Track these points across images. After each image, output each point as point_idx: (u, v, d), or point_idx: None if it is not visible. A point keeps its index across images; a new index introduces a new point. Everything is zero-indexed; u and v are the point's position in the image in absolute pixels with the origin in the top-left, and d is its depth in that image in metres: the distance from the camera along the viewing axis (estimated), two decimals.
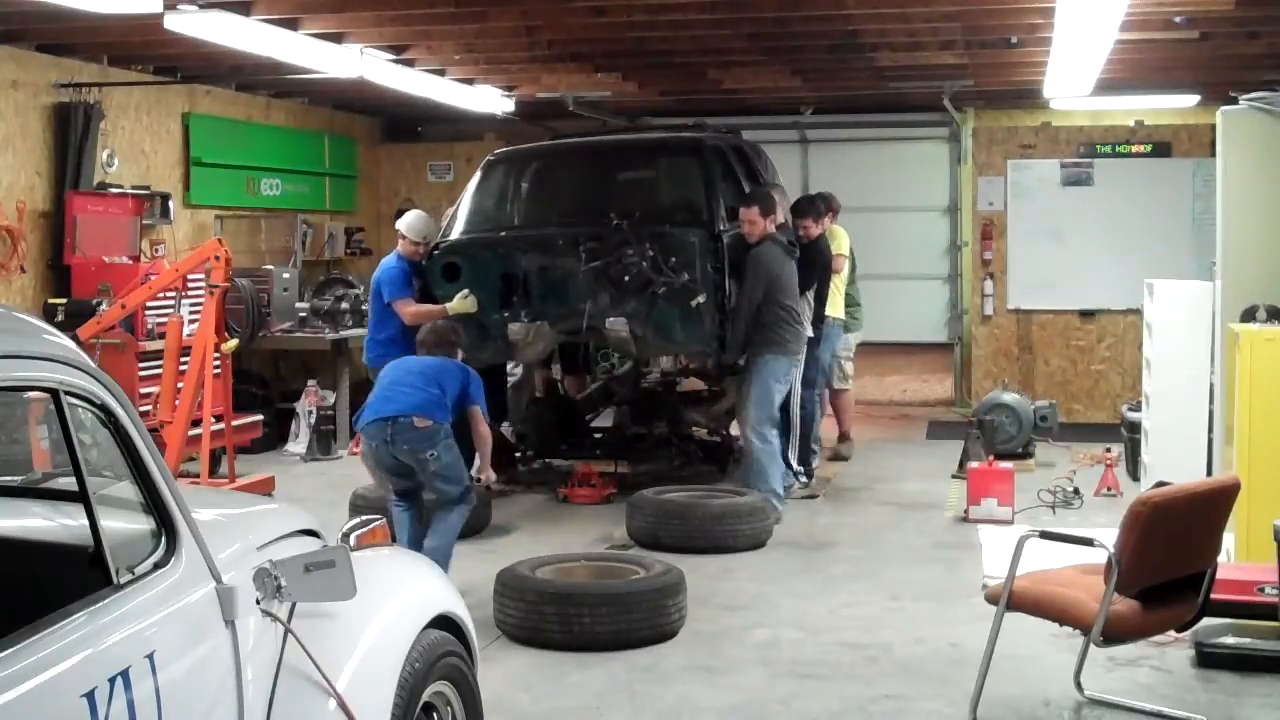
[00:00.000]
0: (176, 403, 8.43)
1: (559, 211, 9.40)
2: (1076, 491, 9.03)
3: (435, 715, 3.66)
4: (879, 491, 9.61)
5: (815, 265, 9.11)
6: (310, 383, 11.34)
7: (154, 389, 8.89)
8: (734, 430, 9.53)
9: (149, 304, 9.21)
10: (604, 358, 10.93)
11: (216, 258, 8.41)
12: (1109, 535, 4.75)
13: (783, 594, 6.92)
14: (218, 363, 8.68)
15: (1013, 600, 4.92)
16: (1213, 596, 4.99)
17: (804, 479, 9.35)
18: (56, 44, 9.79)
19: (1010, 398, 10.72)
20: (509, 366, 9.94)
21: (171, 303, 8.98)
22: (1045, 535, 5.02)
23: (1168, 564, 4.80)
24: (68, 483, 3.13)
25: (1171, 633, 5.33)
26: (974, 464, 8.92)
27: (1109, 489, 9.13)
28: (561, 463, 9.90)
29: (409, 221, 8.71)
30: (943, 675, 5.58)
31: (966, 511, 8.56)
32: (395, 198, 14.55)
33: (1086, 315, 13.06)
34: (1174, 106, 12.75)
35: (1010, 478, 8.60)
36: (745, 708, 5.25)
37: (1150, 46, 9.50)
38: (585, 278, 8.49)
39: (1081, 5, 7.22)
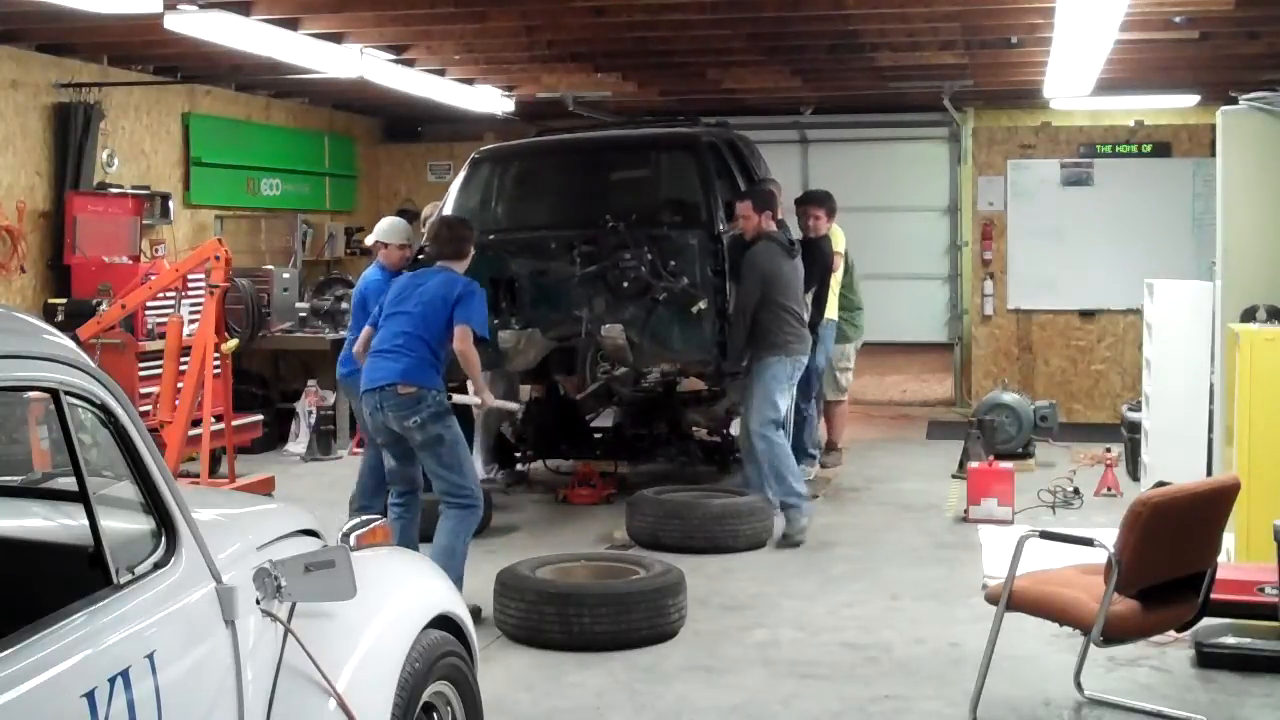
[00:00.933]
0: (176, 403, 8.43)
1: (548, 211, 9.19)
2: (1076, 491, 9.03)
3: (435, 715, 3.66)
4: (879, 491, 9.60)
5: (818, 264, 8.86)
6: (310, 383, 11.34)
7: (154, 389, 8.89)
8: (734, 430, 9.50)
9: (149, 304, 9.21)
10: (603, 358, 10.89)
11: (216, 258, 8.42)
12: (1109, 535, 4.75)
13: (782, 594, 6.92)
14: (218, 363, 8.68)
15: (1013, 600, 4.92)
16: (1213, 596, 5.00)
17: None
18: (56, 44, 9.79)
19: (1010, 398, 10.72)
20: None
21: (171, 303, 8.99)
22: (1045, 535, 5.02)
23: (1168, 564, 4.80)
24: (68, 483, 3.14)
25: (1171, 633, 5.34)
26: (974, 464, 8.92)
27: (1109, 489, 9.13)
28: (561, 462, 9.91)
29: (386, 227, 7.99)
30: (943, 675, 5.59)
31: (966, 511, 8.56)
32: (395, 198, 14.54)
33: (1086, 315, 13.06)
34: (1174, 106, 12.75)
35: (1010, 478, 8.60)
36: (745, 708, 5.25)
37: (1150, 46, 9.50)
38: (580, 283, 8.21)
39: (1081, 5, 7.22)
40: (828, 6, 8.51)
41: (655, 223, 8.45)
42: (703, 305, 8.06)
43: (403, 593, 3.72)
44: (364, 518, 4.10)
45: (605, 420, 10.54)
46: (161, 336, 8.99)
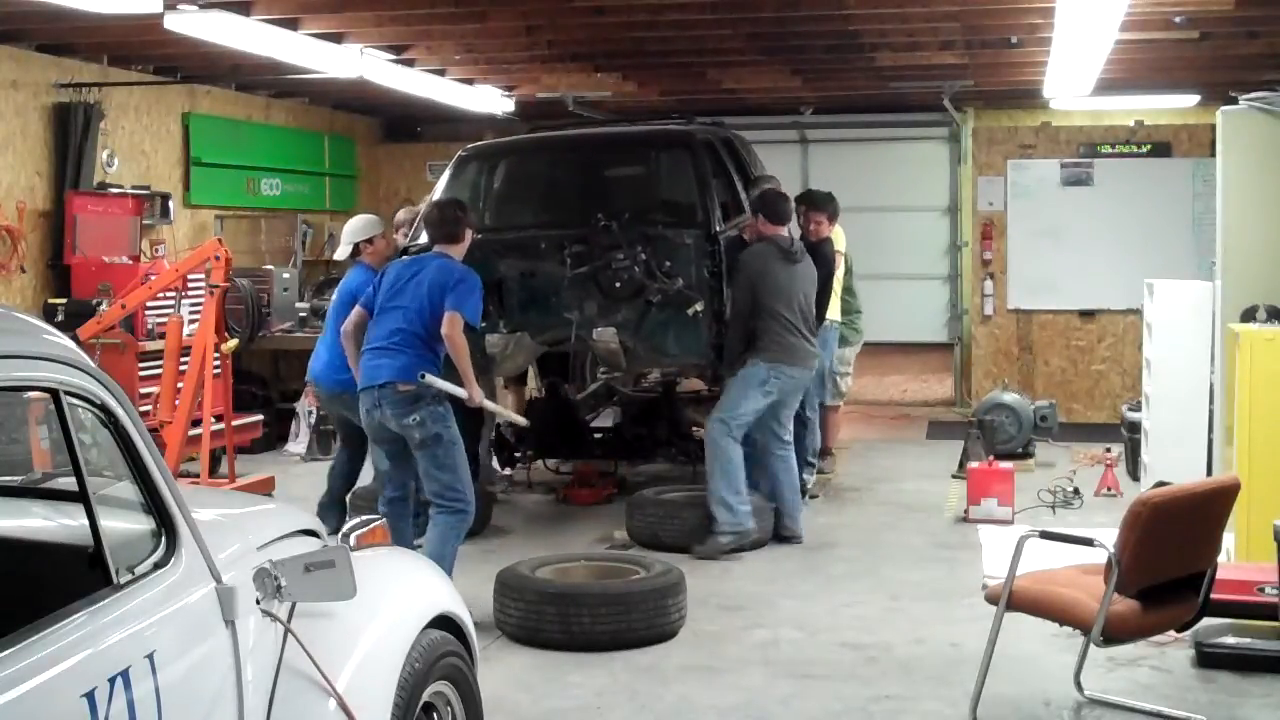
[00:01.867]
0: (176, 403, 8.43)
1: (539, 211, 8.91)
2: (1076, 491, 9.02)
3: (435, 715, 3.66)
4: (879, 492, 9.60)
5: (820, 268, 8.36)
6: (310, 383, 11.32)
7: (154, 389, 8.89)
8: None
9: (149, 304, 9.21)
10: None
11: (216, 258, 8.41)
12: (1109, 535, 4.75)
13: (782, 594, 6.92)
14: (218, 363, 8.68)
15: (1013, 600, 4.92)
16: (1213, 596, 4.99)
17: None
18: (56, 44, 9.79)
19: (1010, 398, 10.71)
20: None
21: (171, 303, 8.98)
22: (1045, 535, 5.02)
23: (1168, 564, 4.80)
24: (68, 483, 3.13)
25: (1171, 633, 5.33)
26: (974, 464, 8.92)
27: (1109, 489, 9.13)
28: (561, 462, 9.91)
29: (360, 225, 7.84)
30: (943, 675, 5.58)
31: (966, 511, 8.56)
32: (395, 198, 14.53)
33: (1086, 315, 13.06)
34: (1174, 106, 12.76)
35: (1010, 478, 8.60)
36: (745, 708, 5.25)
37: (1150, 46, 9.51)
38: (571, 284, 7.84)
39: (1081, 5, 7.22)
40: (828, 6, 8.51)
41: (649, 222, 8.05)
42: (699, 308, 7.74)
43: (403, 593, 3.71)
44: (364, 518, 4.10)
45: (605, 420, 10.54)
46: (161, 336, 8.98)
